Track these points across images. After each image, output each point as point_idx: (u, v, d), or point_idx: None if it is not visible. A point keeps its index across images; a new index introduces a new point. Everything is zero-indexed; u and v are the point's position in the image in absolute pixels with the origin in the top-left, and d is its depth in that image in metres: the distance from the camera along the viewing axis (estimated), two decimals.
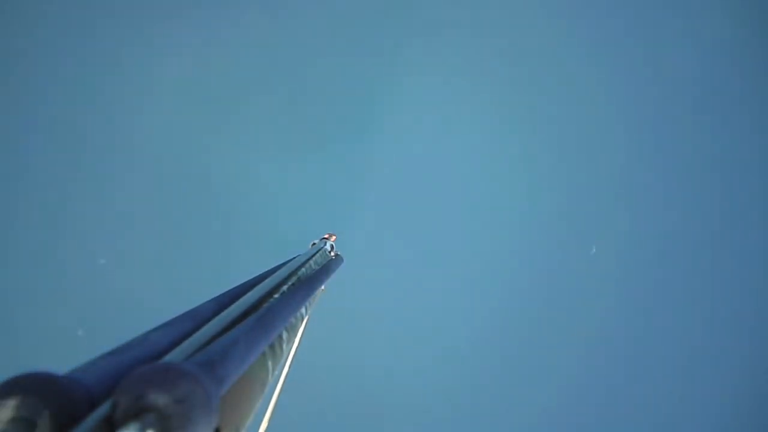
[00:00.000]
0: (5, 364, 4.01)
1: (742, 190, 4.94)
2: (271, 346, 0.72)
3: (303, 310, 0.96)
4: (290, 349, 0.88)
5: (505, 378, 5.05)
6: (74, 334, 4.57)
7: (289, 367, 1.01)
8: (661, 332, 4.99)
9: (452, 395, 4.99)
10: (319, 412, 4.85)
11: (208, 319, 0.62)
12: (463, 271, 5.17)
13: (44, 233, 4.86)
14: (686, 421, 4.85)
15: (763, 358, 4.83)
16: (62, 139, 4.85)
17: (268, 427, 0.98)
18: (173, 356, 0.51)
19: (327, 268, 1.11)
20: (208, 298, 0.69)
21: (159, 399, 0.38)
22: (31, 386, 0.38)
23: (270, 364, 0.71)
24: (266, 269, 0.90)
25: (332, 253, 1.30)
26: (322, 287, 1.06)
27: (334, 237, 1.39)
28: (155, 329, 0.56)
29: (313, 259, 1.08)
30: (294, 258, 1.02)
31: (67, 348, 4.44)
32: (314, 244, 1.30)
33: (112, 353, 0.48)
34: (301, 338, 0.97)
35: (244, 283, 0.79)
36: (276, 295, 0.79)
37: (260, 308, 0.72)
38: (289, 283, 0.87)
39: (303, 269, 0.97)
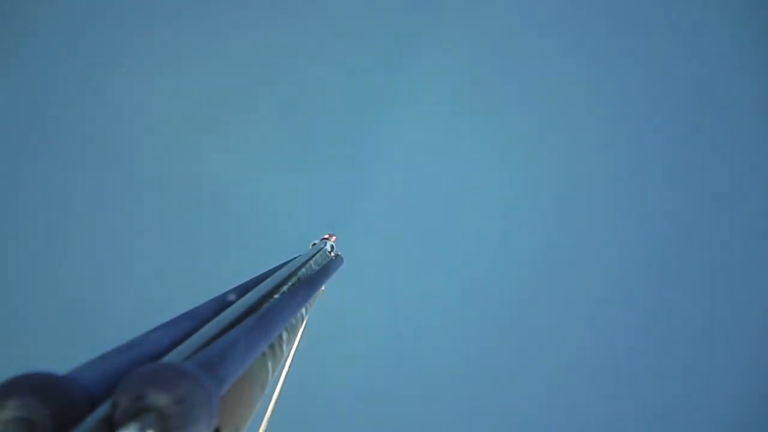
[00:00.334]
0: (5, 364, 4.01)
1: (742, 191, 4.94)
2: (271, 347, 0.72)
3: (303, 310, 0.96)
4: (290, 350, 0.88)
5: (506, 378, 5.04)
6: (73, 333, 4.57)
7: (289, 368, 1.01)
8: (662, 332, 4.99)
9: (452, 395, 4.99)
10: (319, 412, 4.84)
11: (209, 320, 0.62)
12: (462, 271, 5.16)
13: (44, 233, 4.86)
14: (685, 420, 4.85)
15: (763, 359, 4.83)
16: (59, 143, 4.84)
17: (268, 427, 0.98)
18: (173, 356, 0.51)
19: (327, 268, 1.11)
20: (208, 298, 0.69)
21: (159, 399, 0.38)
22: (31, 386, 0.38)
23: (270, 364, 0.71)
24: (266, 269, 0.90)
25: (332, 254, 1.30)
26: (323, 288, 1.06)
27: (334, 237, 1.39)
28: (155, 329, 0.56)
29: (314, 259, 1.08)
30: (294, 258, 1.02)
31: (67, 348, 4.44)
32: (314, 244, 1.30)
33: (112, 353, 0.48)
34: (301, 338, 0.97)
35: (245, 283, 0.79)
36: (276, 296, 0.79)
37: (260, 308, 0.71)
38: (290, 284, 0.87)
39: (303, 269, 0.97)
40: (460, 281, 5.16)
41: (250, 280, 0.81)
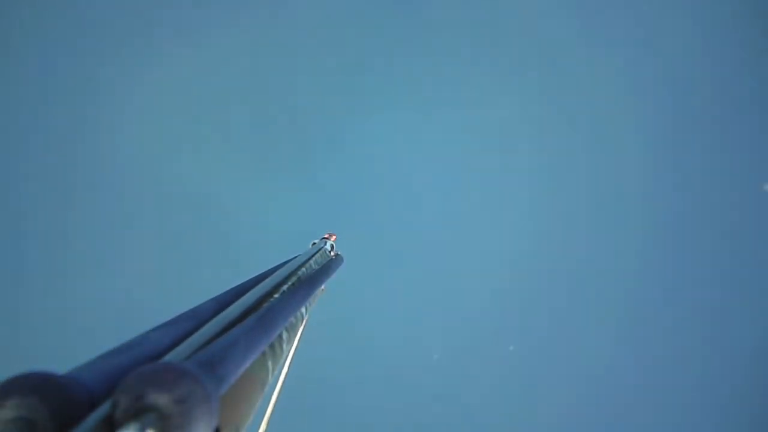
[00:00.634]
0: (5, 364, 4.01)
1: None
2: (272, 346, 0.72)
3: (303, 309, 0.97)
4: (290, 349, 0.88)
5: (507, 379, 5.05)
6: (74, 333, 4.57)
7: (289, 367, 1.01)
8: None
9: (453, 396, 5.00)
10: (320, 412, 4.85)
11: (208, 319, 0.62)
12: (462, 271, 5.17)
13: (44, 232, 4.86)
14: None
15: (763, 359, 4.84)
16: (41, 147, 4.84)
17: (268, 427, 0.98)
18: (173, 356, 0.51)
19: (327, 268, 1.11)
20: (208, 298, 0.69)
21: (159, 399, 0.38)
22: (31, 386, 0.38)
23: (270, 364, 0.71)
24: (266, 269, 0.90)
25: (332, 253, 1.30)
26: (322, 287, 1.06)
27: (334, 237, 1.40)
28: (155, 329, 0.56)
29: (314, 258, 1.08)
30: (294, 258, 1.02)
31: (67, 348, 4.44)
32: (314, 243, 1.30)
33: (112, 353, 0.48)
34: (301, 338, 0.97)
35: (244, 282, 0.79)
36: (276, 295, 0.80)
37: (260, 308, 0.72)
38: (290, 283, 0.87)
39: (303, 269, 0.97)
40: (461, 281, 5.16)
41: (250, 280, 0.81)
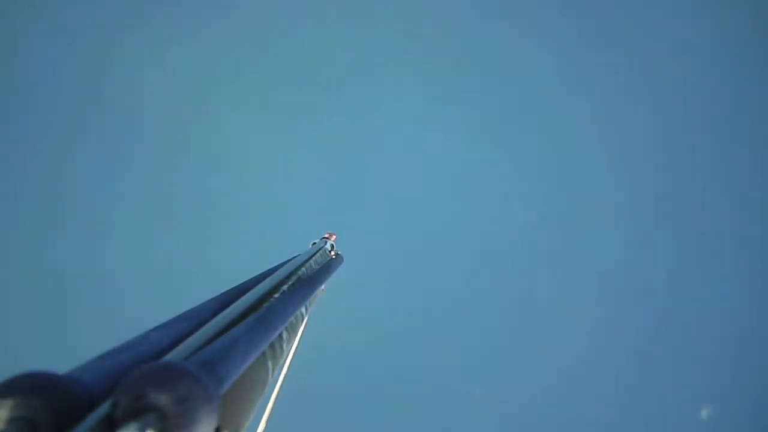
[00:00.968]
0: (5, 364, 4.01)
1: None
2: (272, 346, 0.72)
3: (303, 309, 0.96)
4: (290, 349, 0.87)
5: (507, 378, 5.05)
6: (73, 334, 4.57)
7: (289, 367, 1.01)
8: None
9: (453, 395, 4.99)
10: (319, 412, 4.84)
11: (209, 319, 0.62)
12: (462, 271, 5.16)
13: (43, 232, 4.85)
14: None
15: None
16: (58, 130, 4.84)
17: (267, 427, 0.98)
18: (173, 356, 0.50)
19: (327, 267, 1.10)
20: (208, 298, 0.69)
21: (159, 398, 0.38)
22: (32, 386, 0.38)
23: (270, 363, 0.70)
24: (266, 269, 0.89)
25: (332, 253, 1.29)
26: (323, 287, 1.06)
27: (334, 236, 1.39)
28: (155, 329, 0.56)
29: (314, 258, 1.08)
30: (294, 257, 1.02)
31: (68, 348, 4.44)
32: (314, 243, 1.30)
33: (112, 353, 0.48)
34: (301, 338, 0.96)
35: (245, 282, 0.79)
36: (276, 295, 0.79)
37: (260, 308, 0.71)
38: (290, 283, 0.86)
39: (303, 269, 0.97)
40: (461, 281, 5.15)
41: (250, 279, 0.81)
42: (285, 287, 0.84)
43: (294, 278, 0.89)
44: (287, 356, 0.86)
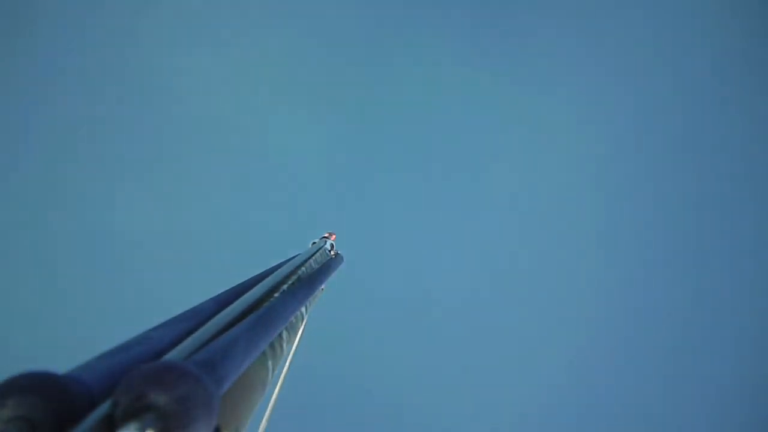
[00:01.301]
0: (5, 364, 4.01)
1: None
2: (272, 346, 0.72)
3: (303, 309, 0.96)
4: (290, 349, 0.88)
5: (508, 379, 5.05)
6: (73, 333, 4.57)
7: (289, 367, 1.01)
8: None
9: (453, 396, 4.99)
10: (319, 412, 4.85)
11: (209, 318, 0.62)
12: (463, 271, 5.17)
13: (43, 232, 4.86)
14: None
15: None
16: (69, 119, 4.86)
17: (268, 427, 0.98)
18: (173, 355, 0.50)
19: (327, 267, 1.10)
20: (208, 297, 0.69)
21: (159, 398, 0.38)
22: (32, 386, 0.38)
23: (270, 363, 0.70)
24: (266, 268, 0.90)
25: (332, 252, 1.30)
26: (322, 286, 1.06)
27: (334, 236, 1.39)
28: (155, 328, 0.56)
29: (314, 258, 1.08)
30: (294, 257, 1.02)
31: (67, 347, 4.44)
32: (314, 243, 1.30)
33: (112, 352, 0.48)
34: (301, 337, 0.96)
35: (245, 282, 0.79)
36: (276, 294, 0.79)
37: (260, 307, 0.71)
38: (290, 282, 0.86)
39: (303, 268, 0.97)
40: (461, 281, 5.16)
41: (250, 279, 0.81)
42: (285, 287, 0.84)
43: (294, 278, 0.90)
44: (287, 356, 0.86)
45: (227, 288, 0.75)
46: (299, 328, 0.93)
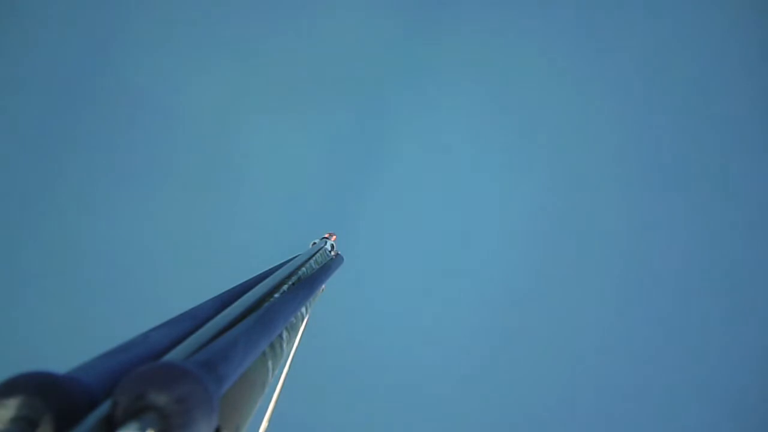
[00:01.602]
0: (5, 364, 4.01)
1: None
2: (272, 346, 0.72)
3: (303, 309, 0.96)
4: (291, 349, 0.88)
5: (509, 380, 5.04)
6: (73, 333, 4.57)
7: (290, 367, 1.01)
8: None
9: (454, 397, 4.99)
10: (320, 412, 4.85)
11: (209, 319, 0.62)
12: (463, 271, 5.16)
13: (43, 232, 4.86)
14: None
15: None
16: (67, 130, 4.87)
17: (268, 427, 0.98)
18: (173, 355, 0.50)
19: (327, 267, 1.11)
20: (208, 298, 0.69)
21: (159, 398, 0.38)
22: (32, 386, 0.38)
23: (270, 363, 0.71)
24: (266, 269, 0.90)
25: (333, 253, 1.30)
26: (323, 287, 1.06)
27: (334, 237, 1.40)
28: (155, 328, 0.56)
29: (314, 258, 1.08)
30: (294, 257, 1.02)
31: (67, 347, 4.44)
32: (314, 243, 1.30)
33: (112, 353, 0.48)
34: (301, 338, 0.97)
35: (245, 282, 0.79)
36: (276, 295, 0.79)
37: (261, 308, 0.71)
38: (290, 283, 0.87)
39: (303, 269, 0.97)
40: (462, 281, 5.15)
41: (250, 279, 0.81)
42: (285, 287, 0.84)
43: (294, 278, 0.90)
44: (288, 356, 0.86)
45: (227, 288, 0.75)
46: (299, 328, 0.93)
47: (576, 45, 5.06)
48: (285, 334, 0.80)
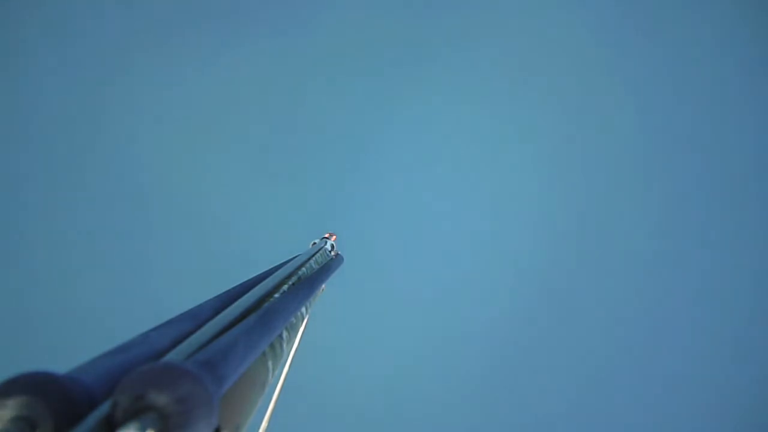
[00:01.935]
0: (5, 364, 4.01)
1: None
2: (272, 346, 0.72)
3: (303, 309, 0.96)
4: (290, 349, 0.88)
5: (508, 380, 5.04)
6: (74, 333, 4.57)
7: (290, 367, 1.01)
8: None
9: (454, 398, 4.99)
10: (319, 413, 4.85)
11: (209, 319, 0.62)
12: (464, 272, 5.16)
13: (43, 232, 4.87)
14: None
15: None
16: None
17: (268, 427, 0.98)
18: (173, 356, 0.50)
19: (327, 267, 1.11)
20: (208, 298, 0.69)
21: (159, 398, 0.38)
22: (32, 386, 0.38)
23: (270, 363, 0.71)
24: (267, 269, 0.90)
25: (333, 253, 1.30)
26: (323, 287, 1.06)
27: (334, 237, 1.40)
28: (155, 329, 0.56)
29: (314, 258, 1.08)
30: (294, 257, 1.02)
31: (67, 348, 4.44)
32: (314, 243, 1.30)
33: (112, 353, 0.48)
34: (301, 338, 0.97)
35: (245, 282, 0.79)
36: (276, 295, 0.79)
37: (261, 308, 0.71)
38: (290, 283, 0.87)
39: (303, 269, 0.97)
40: (461, 281, 5.15)
41: (251, 279, 0.81)
42: (285, 287, 0.84)
43: (294, 278, 0.90)
44: (288, 356, 0.86)
45: (227, 288, 0.75)
46: (299, 328, 0.93)
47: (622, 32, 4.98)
48: (285, 334, 0.80)
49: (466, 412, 4.97)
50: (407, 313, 5.10)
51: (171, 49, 5.05)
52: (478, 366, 5.05)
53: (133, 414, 0.38)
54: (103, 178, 4.92)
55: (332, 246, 1.32)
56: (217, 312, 0.65)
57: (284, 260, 0.98)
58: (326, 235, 1.40)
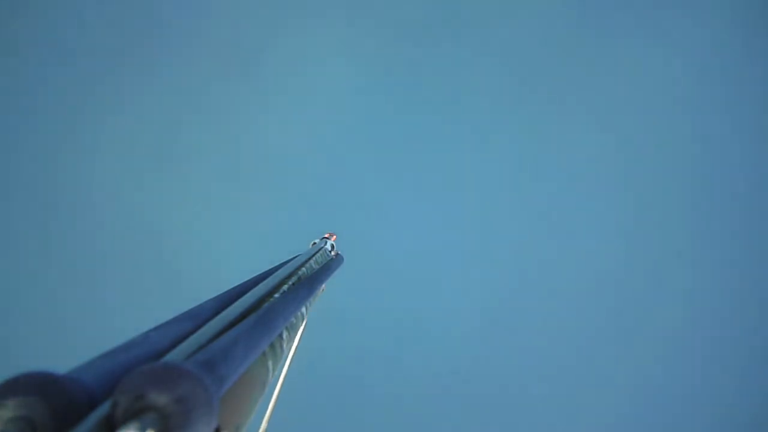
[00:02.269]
0: (5, 364, 4.01)
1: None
2: (272, 346, 0.72)
3: (303, 309, 0.96)
4: (291, 349, 0.88)
5: (508, 380, 5.04)
6: (73, 333, 4.57)
7: (290, 367, 1.01)
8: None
9: (454, 399, 4.99)
10: (319, 413, 4.84)
11: (209, 319, 0.62)
12: (464, 272, 5.16)
13: (42, 232, 4.87)
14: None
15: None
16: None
17: (268, 427, 0.98)
18: (173, 356, 0.51)
19: (327, 267, 1.11)
20: (208, 298, 0.69)
21: (159, 398, 0.38)
22: (32, 386, 0.38)
23: (270, 363, 0.71)
24: (267, 269, 0.90)
25: (333, 253, 1.30)
26: (323, 287, 1.06)
27: (334, 237, 1.40)
28: (155, 329, 0.56)
29: (314, 258, 1.08)
30: (294, 257, 1.02)
31: (67, 348, 4.44)
32: (314, 243, 1.30)
33: (112, 353, 0.48)
34: (301, 338, 0.97)
35: (245, 282, 0.79)
36: (276, 295, 0.79)
37: (261, 308, 0.71)
38: (290, 283, 0.87)
39: (303, 269, 0.97)
40: (462, 282, 5.15)
41: (251, 279, 0.81)
42: (285, 287, 0.84)
43: (294, 278, 0.90)
44: (288, 356, 0.86)
45: (227, 288, 0.75)
46: (299, 328, 0.93)
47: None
48: (285, 334, 0.80)
49: (469, 414, 4.97)
50: (408, 312, 5.10)
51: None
52: (479, 366, 5.05)
53: (133, 414, 0.38)
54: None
55: (332, 246, 1.32)
56: (217, 312, 0.65)
57: (284, 260, 0.98)
58: (326, 235, 1.39)
